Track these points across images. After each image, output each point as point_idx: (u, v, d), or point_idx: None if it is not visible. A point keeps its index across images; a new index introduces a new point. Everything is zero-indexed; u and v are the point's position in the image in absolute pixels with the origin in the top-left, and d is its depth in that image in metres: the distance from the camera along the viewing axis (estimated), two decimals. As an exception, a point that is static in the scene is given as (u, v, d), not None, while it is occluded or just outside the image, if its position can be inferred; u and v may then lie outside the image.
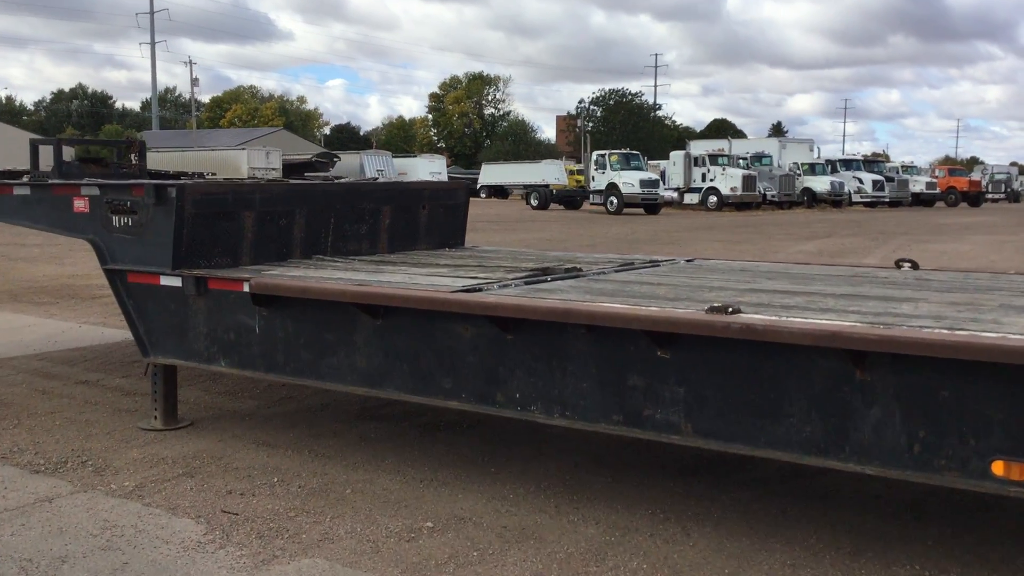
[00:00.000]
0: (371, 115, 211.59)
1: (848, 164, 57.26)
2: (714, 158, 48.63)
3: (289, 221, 6.42)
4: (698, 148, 52.20)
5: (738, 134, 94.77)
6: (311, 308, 5.18)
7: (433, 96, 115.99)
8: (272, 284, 5.21)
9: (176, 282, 5.78)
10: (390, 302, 4.76)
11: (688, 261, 6.75)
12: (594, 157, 44.99)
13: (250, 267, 6.02)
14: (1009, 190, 74.59)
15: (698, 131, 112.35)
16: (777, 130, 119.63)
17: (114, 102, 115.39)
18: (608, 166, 43.94)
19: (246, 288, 5.34)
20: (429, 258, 6.67)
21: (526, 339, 4.47)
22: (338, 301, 4.96)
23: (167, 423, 6.17)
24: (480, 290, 4.89)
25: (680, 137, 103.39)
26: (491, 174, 66.42)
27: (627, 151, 45.55)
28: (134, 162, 8.53)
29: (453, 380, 4.75)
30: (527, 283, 5.23)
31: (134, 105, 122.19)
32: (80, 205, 6.16)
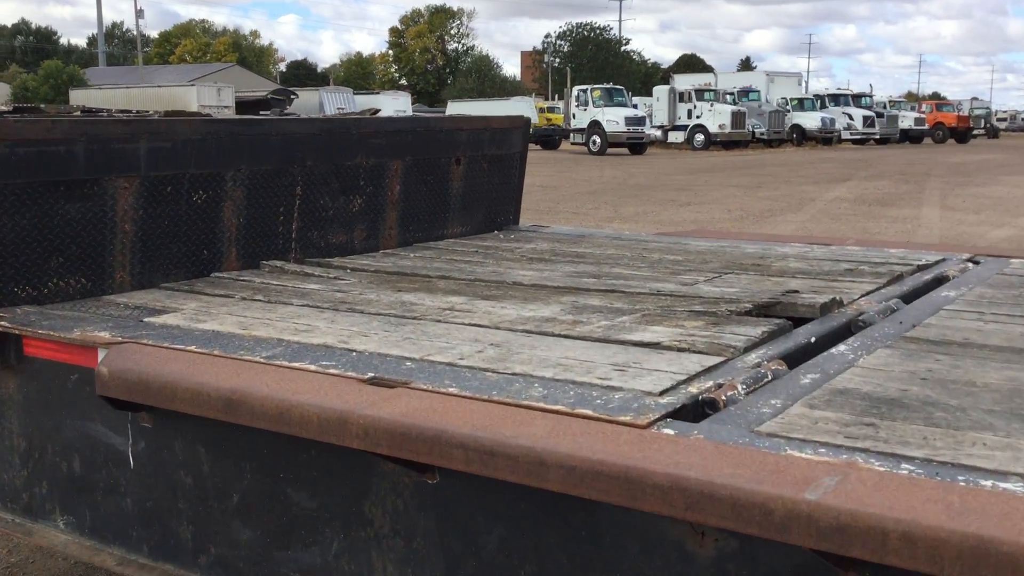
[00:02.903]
0: (325, 52, 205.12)
1: (836, 99, 54.59)
2: (700, 93, 45.56)
3: (214, 195, 3.23)
4: (683, 82, 48.94)
5: (707, 69, 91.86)
6: (257, 430, 2.03)
7: (394, 31, 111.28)
8: (155, 377, 2.05)
9: (-40, 338, 2.61)
10: (491, 468, 1.63)
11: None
12: (575, 93, 41.72)
13: (127, 297, 2.85)
14: (989, 126, 72.64)
15: (663, 67, 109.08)
16: (746, 65, 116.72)
17: (59, 38, 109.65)
18: (590, 102, 40.71)
19: (101, 365, 2.18)
20: (491, 264, 3.50)
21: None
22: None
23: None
24: (713, 407, 1.77)
25: (648, 73, 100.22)
26: (458, 112, 62.76)
27: (610, 86, 42.27)
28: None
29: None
30: (780, 353, 2.11)
31: (80, 41, 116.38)
32: None
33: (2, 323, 2.57)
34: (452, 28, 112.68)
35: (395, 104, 59.35)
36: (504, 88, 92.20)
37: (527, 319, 2.53)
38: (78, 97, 48.04)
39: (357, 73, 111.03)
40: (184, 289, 3.09)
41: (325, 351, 2.25)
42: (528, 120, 4.69)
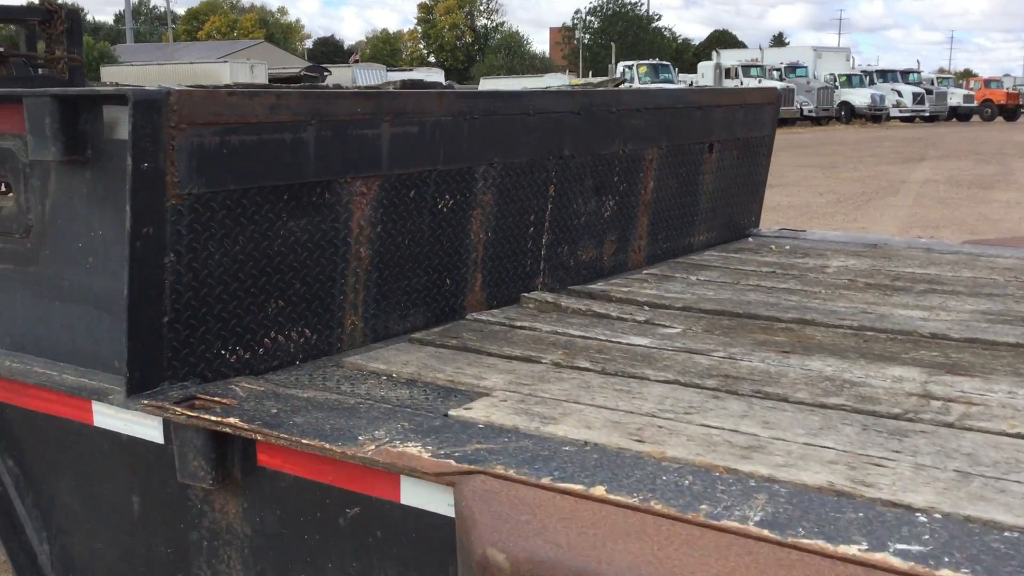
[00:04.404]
0: (347, 29, 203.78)
1: (884, 75, 53.22)
2: (747, 69, 44.39)
3: (462, 199, 2.24)
4: (729, 58, 47.69)
5: (740, 45, 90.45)
6: None
7: (423, 7, 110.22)
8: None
9: (147, 430, 1.59)
10: None
11: None
12: (620, 69, 40.61)
13: (379, 360, 1.86)
14: (1033, 102, 70.83)
15: (693, 43, 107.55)
16: (779, 41, 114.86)
17: (85, 15, 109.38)
18: (636, 79, 39.56)
19: (495, 548, 1.17)
20: (826, 294, 2.52)
21: None
22: None
23: None
24: None
25: (678, 49, 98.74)
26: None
27: (656, 62, 41.17)
28: (61, 55, 4.29)
29: None
30: None
31: (107, 19, 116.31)
32: None
33: (230, 420, 1.60)
34: (481, 4, 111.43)
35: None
36: (533, 65, 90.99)
37: None
38: (111, 74, 47.38)
39: (384, 50, 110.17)
40: (452, 345, 2.11)
41: (854, 509, 1.25)
42: (780, 95, 3.69)
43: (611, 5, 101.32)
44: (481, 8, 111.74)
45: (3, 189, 1.98)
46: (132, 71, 49.35)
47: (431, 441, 1.51)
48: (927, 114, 51.18)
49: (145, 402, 1.69)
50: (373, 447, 1.48)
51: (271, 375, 1.92)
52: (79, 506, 1.97)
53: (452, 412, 1.67)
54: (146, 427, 1.78)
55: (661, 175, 3.10)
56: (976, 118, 56.43)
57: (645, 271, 2.97)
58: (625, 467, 1.40)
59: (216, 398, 1.70)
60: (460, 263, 2.39)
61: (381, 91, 2.31)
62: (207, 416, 1.62)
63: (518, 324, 2.29)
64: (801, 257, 3.21)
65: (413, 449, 1.47)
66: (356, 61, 66.13)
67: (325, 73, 55.19)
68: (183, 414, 1.65)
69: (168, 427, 1.74)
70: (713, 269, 3.01)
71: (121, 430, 1.82)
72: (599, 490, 1.32)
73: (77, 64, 4.25)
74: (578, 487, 1.33)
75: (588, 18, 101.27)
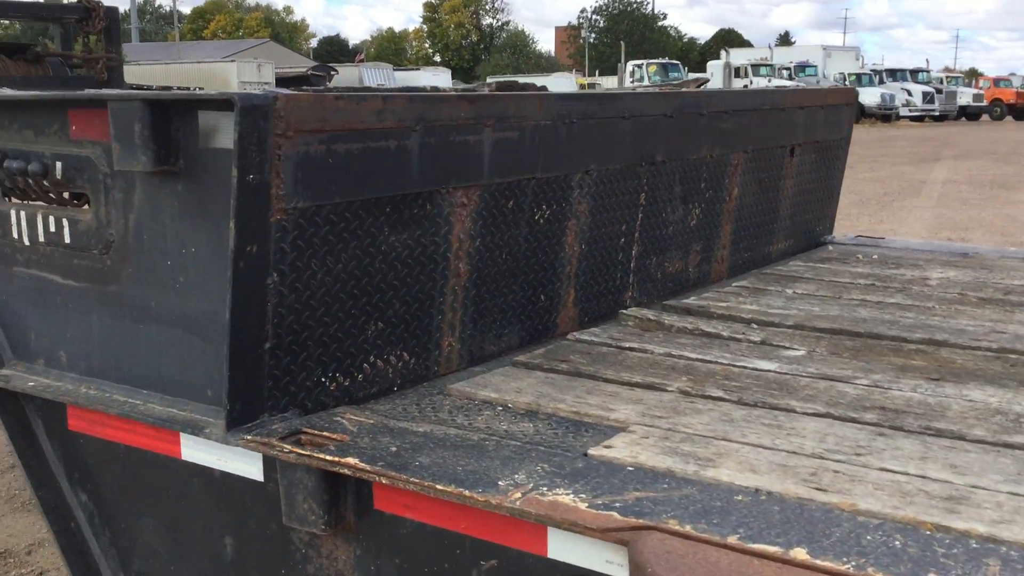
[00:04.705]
0: (351, 28, 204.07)
1: (894, 74, 53.12)
2: (757, 68, 44.30)
3: (559, 210, 2.07)
4: (738, 57, 47.54)
5: (745, 44, 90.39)
6: None
7: (428, 6, 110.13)
8: None
9: (244, 466, 1.42)
10: None
11: None
12: (630, 68, 40.51)
13: (487, 387, 1.70)
14: (1042, 102, 70.51)
15: (698, 43, 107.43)
16: (785, 40, 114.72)
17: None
18: (646, 78, 39.44)
19: None
20: (943, 310, 2.36)
21: None
22: None
23: None
24: None
25: (683, 48, 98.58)
26: (500, 88, 61.25)
27: (666, 61, 41.04)
28: (100, 55, 4.14)
29: None
30: None
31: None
32: None
33: (349, 460, 1.43)
34: (486, 3, 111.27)
35: (435, 81, 57.74)
36: (539, 64, 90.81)
37: None
38: (117, 73, 46.91)
39: (389, 49, 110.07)
40: (562, 369, 1.94)
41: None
42: (857, 94, 3.52)
43: (616, 4, 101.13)
44: (486, 7, 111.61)
45: (78, 201, 1.82)
46: (138, 70, 49.05)
47: (581, 488, 1.34)
48: (937, 113, 51.01)
49: (248, 437, 1.53)
50: (519, 495, 1.32)
51: (374, 404, 1.75)
52: (161, 546, 1.81)
53: (592, 451, 1.50)
54: (243, 462, 1.62)
55: (745, 180, 2.94)
56: (985, 117, 56.19)
57: (734, 283, 2.81)
58: (817, 523, 1.23)
59: (325, 433, 1.54)
60: (554, 277, 2.23)
61: (482, 94, 2.15)
62: (321, 455, 1.46)
63: (626, 345, 2.12)
64: (894, 268, 3.04)
65: (565, 498, 1.30)
66: (361, 61, 65.59)
67: (332, 73, 54.73)
68: (292, 452, 1.48)
69: (270, 463, 1.58)
70: (807, 281, 2.84)
71: (214, 465, 1.66)
72: (800, 553, 1.15)
73: (116, 64, 4.09)
74: (774, 549, 1.16)
75: (593, 17, 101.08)
